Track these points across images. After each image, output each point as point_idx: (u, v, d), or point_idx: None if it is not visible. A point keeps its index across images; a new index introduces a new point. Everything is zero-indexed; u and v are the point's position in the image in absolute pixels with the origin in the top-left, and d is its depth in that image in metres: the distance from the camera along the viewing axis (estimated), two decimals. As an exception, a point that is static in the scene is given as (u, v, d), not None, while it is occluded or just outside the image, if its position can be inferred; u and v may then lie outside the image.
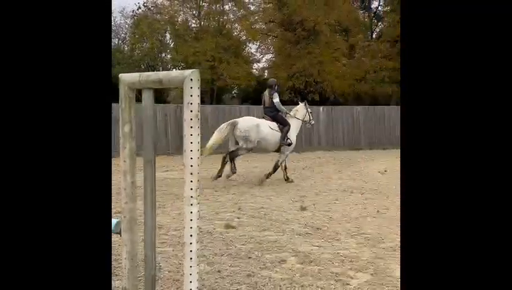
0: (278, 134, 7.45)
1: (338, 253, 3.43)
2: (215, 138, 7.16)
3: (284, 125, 7.54)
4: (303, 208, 5.20)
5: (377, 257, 3.33)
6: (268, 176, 7.40)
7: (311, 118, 8.38)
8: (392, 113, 16.45)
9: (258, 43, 25.02)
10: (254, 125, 7.25)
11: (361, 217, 4.73)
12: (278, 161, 7.58)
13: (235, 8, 23.14)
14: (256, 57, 25.89)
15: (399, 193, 1.59)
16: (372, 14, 25.56)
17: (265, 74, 24.72)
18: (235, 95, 29.25)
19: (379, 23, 26.28)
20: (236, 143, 7.25)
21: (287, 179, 7.55)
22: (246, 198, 6.01)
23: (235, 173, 7.22)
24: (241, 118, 7.69)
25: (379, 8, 25.42)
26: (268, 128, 7.37)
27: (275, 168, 7.51)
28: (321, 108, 15.87)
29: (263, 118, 7.70)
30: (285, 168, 7.70)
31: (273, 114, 7.60)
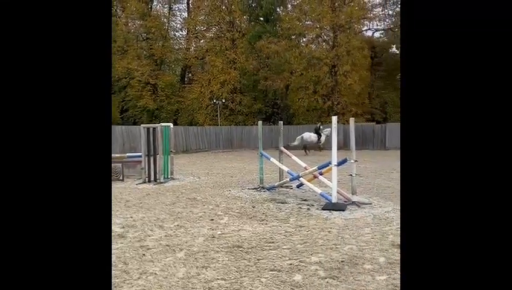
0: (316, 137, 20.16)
1: None
2: (297, 143, 19.90)
3: (320, 135, 20.33)
4: None
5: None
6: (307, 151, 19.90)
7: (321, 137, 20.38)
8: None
9: None
10: (310, 135, 20.01)
11: None
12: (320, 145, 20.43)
13: None
14: None
15: None
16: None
17: None
18: None
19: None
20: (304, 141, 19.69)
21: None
22: None
23: (307, 154, 19.11)
24: (304, 133, 19.98)
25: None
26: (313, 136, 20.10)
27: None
28: None
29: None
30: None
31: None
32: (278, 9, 31.95)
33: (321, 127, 20.81)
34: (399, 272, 3.27)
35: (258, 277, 3.24)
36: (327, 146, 20.85)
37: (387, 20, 30.82)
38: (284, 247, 4.06)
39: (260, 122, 8.75)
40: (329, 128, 20.53)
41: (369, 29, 32.05)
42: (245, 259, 3.69)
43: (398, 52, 31.70)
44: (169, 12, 34.07)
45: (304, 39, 30.48)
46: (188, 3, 34.18)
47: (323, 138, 20.40)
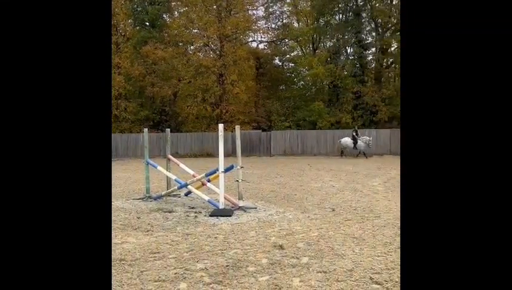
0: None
1: None
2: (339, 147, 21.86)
3: (356, 141, 21.02)
4: None
5: None
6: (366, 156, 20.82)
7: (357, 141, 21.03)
8: None
9: None
10: (347, 140, 21.32)
11: None
12: (360, 151, 20.97)
13: None
14: None
15: None
16: None
17: None
18: None
19: None
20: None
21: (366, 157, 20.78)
22: None
23: (342, 156, 21.62)
24: (343, 138, 21.61)
25: None
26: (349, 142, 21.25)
27: (364, 154, 20.90)
28: None
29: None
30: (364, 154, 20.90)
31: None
32: (165, 16, 31.45)
33: (354, 133, 21.24)
34: (280, 272, 3.47)
35: (142, 289, 3.13)
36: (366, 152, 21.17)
37: (270, 33, 32.53)
38: (170, 256, 3.99)
39: (146, 129, 8.49)
40: (367, 137, 21.33)
41: (254, 40, 33.48)
42: (128, 272, 3.53)
43: (280, 64, 33.66)
44: (42, 10, 31.07)
45: (192, 47, 30.50)
46: (65, 2, 31.59)
47: (360, 144, 20.81)
